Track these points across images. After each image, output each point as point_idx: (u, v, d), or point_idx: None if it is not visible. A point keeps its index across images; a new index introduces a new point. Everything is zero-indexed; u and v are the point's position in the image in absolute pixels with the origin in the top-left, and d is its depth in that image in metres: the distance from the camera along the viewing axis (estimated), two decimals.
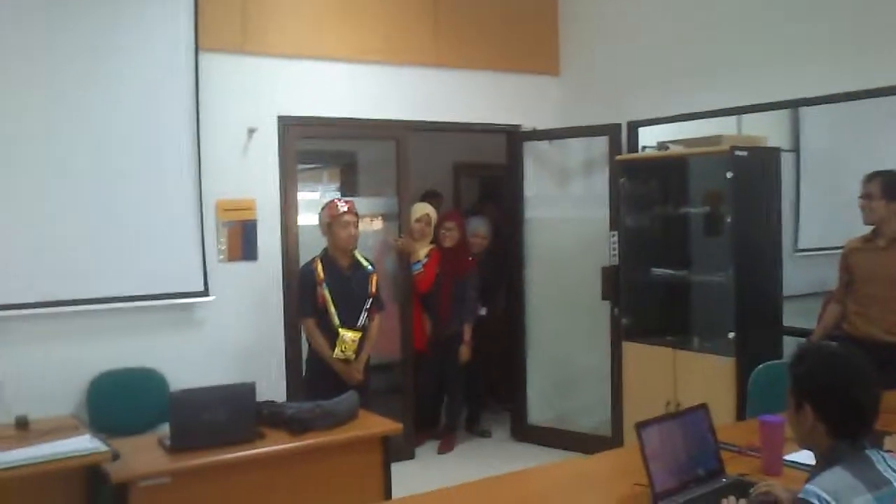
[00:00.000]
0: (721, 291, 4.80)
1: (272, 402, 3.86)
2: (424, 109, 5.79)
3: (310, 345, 4.89)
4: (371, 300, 4.85)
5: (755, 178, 4.81)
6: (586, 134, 5.88)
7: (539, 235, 6.17)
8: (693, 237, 5.29)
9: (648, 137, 5.63)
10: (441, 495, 2.72)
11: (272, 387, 4.99)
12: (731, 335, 4.64)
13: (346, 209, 4.81)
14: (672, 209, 5.28)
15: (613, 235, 5.60)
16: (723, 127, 5.21)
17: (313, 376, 4.88)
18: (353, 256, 4.90)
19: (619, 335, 5.45)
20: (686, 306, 5.27)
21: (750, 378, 4.26)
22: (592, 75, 6.10)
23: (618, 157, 5.51)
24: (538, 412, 6.21)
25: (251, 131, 5.16)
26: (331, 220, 4.82)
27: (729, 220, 4.72)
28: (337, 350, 4.69)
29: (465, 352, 5.92)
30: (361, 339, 4.77)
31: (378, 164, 6.86)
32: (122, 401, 4.55)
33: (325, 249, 4.90)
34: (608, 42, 5.97)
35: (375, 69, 5.62)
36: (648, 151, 5.43)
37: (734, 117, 5.45)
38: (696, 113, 5.28)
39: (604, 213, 5.70)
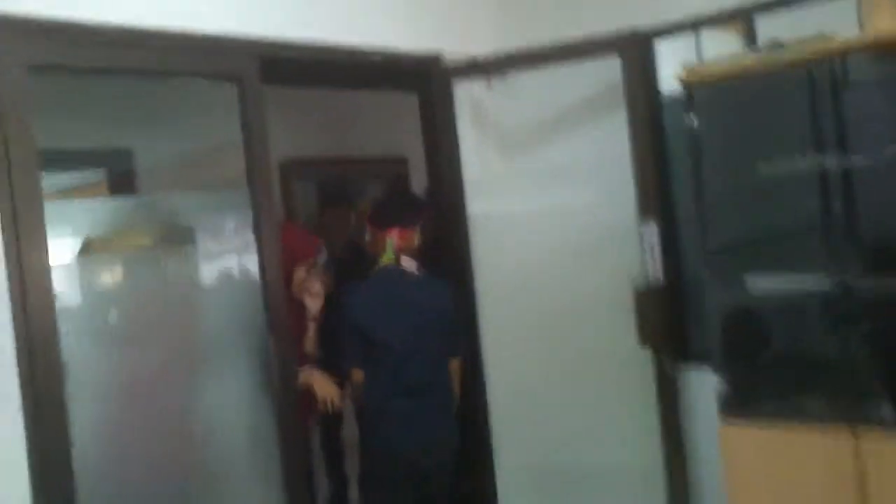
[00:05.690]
0: None
1: None
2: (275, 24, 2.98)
3: None
4: None
5: None
6: (577, 55, 3.26)
7: (492, 242, 3.51)
8: (818, 213, 2.79)
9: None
10: None
11: None
12: None
13: None
14: (784, 163, 2.77)
15: (647, 228, 3.08)
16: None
17: None
18: None
19: (678, 409, 2.91)
20: (846, 344, 2.74)
21: None
22: None
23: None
24: None
25: None
26: None
27: None
28: None
29: None
30: None
31: None
32: None
33: None
34: None
35: None
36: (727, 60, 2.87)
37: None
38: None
39: (620, 190, 3.16)
